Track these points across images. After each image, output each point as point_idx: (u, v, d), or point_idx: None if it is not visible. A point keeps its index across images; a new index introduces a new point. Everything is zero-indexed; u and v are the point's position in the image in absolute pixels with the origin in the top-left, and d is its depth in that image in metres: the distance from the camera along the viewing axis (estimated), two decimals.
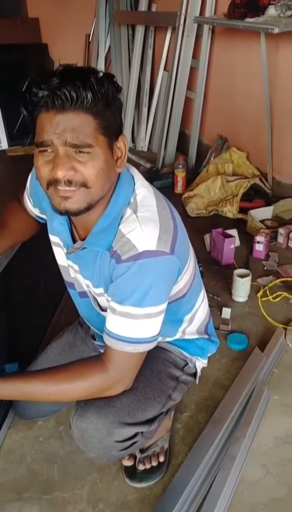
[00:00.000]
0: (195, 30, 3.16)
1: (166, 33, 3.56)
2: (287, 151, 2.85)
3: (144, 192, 1.02)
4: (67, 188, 0.91)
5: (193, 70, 3.34)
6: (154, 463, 1.34)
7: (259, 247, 2.42)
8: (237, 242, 2.49)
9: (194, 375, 1.31)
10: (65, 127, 0.87)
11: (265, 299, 2.10)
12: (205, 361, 1.33)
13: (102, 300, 1.11)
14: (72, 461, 1.39)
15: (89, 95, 0.87)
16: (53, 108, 0.87)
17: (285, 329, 1.92)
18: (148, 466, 1.33)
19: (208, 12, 3.02)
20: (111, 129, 0.93)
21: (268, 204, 2.83)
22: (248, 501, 1.28)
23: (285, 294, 2.12)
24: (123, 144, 0.98)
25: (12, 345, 1.72)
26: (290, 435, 1.48)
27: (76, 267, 1.12)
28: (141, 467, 1.33)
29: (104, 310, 1.14)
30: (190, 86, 3.40)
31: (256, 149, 3.02)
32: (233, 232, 2.47)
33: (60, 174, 0.89)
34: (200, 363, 1.32)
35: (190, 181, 3.17)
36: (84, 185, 0.92)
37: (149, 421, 1.14)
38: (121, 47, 4.01)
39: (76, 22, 4.15)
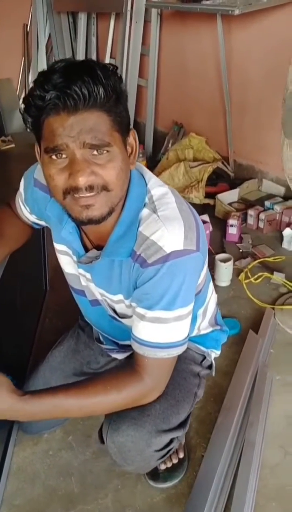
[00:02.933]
0: (143, 15, 3.09)
1: (110, 20, 3.47)
2: (245, 133, 2.87)
3: (159, 190, 0.96)
4: (88, 194, 0.84)
5: (142, 57, 3.28)
6: (175, 461, 1.31)
7: (233, 230, 2.43)
8: (210, 227, 2.49)
9: (209, 367, 1.28)
10: (81, 128, 0.79)
11: (247, 281, 2.11)
12: (219, 351, 1.31)
13: (121, 307, 1.05)
14: (89, 470, 1.34)
15: (101, 91, 0.79)
16: (65, 110, 0.79)
17: (273, 309, 1.94)
18: (169, 464, 1.30)
19: None
20: (124, 125, 0.87)
21: (232, 187, 2.85)
22: (273, 485, 1.29)
23: (266, 274, 2.14)
24: (133, 139, 0.92)
25: (1, 358, 1.62)
26: None
27: (88, 275, 1.05)
28: (162, 466, 1.29)
29: (122, 317, 1.08)
30: (141, 73, 3.34)
31: (214, 133, 3.02)
32: (205, 217, 2.46)
33: (82, 181, 0.81)
34: (214, 354, 1.29)
35: (150, 170, 3.11)
36: (105, 188, 0.85)
37: (182, 424, 1.11)
38: (63, 35, 3.87)
39: (12, 12, 3.95)
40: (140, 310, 0.94)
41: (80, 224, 0.92)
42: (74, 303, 2.01)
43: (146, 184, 0.97)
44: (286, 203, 2.58)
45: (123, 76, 3.25)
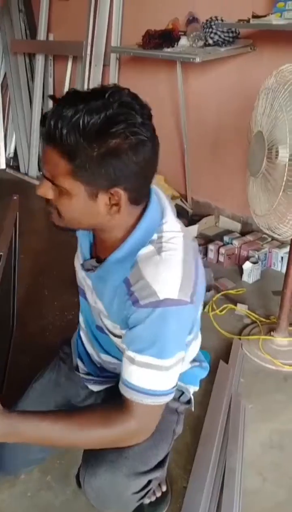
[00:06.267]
0: (102, 59, 3.22)
1: (68, 62, 3.58)
2: (202, 172, 3.01)
3: (172, 234, 0.96)
4: (47, 204, 0.95)
5: None
6: (158, 494, 1.30)
7: None
8: None
9: (188, 402, 1.27)
10: (45, 160, 0.90)
11: (213, 313, 2.17)
12: (197, 387, 1.30)
13: (108, 323, 1.06)
14: (71, 509, 1.30)
15: (64, 134, 0.82)
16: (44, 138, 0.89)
17: (240, 339, 2.00)
18: (153, 498, 1.29)
19: (114, 42, 3.11)
20: (97, 179, 0.86)
21: (191, 223, 2.96)
22: (256, 510, 1.30)
23: (230, 306, 2.22)
24: (115, 197, 0.89)
25: None
26: (273, 440, 1.54)
27: (88, 281, 1.09)
28: (146, 501, 1.27)
29: (115, 335, 1.07)
30: None
31: (172, 171, 3.14)
32: None
33: (37, 192, 0.92)
34: (193, 389, 1.29)
35: None
36: (57, 210, 0.94)
37: (161, 464, 1.10)
38: (19, 75, 3.92)
39: None
40: (130, 353, 0.94)
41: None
42: (42, 338, 1.99)
43: (162, 222, 0.97)
44: (243, 238, 2.71)
45: None
